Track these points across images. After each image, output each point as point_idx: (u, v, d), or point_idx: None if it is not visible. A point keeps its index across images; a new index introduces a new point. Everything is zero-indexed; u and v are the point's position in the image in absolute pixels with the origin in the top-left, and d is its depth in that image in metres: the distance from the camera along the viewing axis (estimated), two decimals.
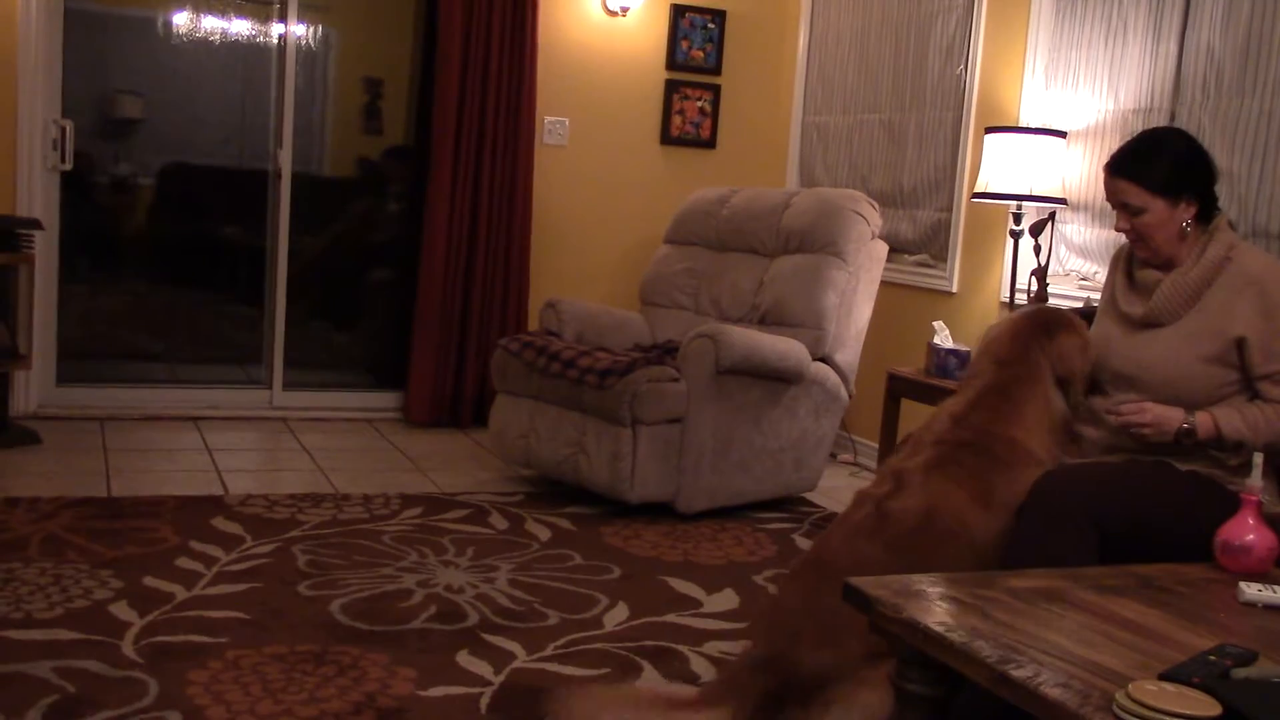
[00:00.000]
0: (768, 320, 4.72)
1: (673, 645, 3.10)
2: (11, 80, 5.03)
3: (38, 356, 5.11)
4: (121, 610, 3.07)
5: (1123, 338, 2.83)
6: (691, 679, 2.86)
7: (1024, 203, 4.35)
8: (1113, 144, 4.25)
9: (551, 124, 5.84)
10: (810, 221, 4.77)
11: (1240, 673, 1.70)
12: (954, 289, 4.95)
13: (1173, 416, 2.66)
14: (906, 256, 5.25)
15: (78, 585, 3.22)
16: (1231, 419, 2.66)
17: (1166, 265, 2.79)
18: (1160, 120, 4.06)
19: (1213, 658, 1.75)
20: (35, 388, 5.24)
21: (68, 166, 5.29)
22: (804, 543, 4.13)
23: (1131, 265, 2.90)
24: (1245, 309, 2.67)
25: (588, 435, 4.30)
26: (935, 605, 1.98)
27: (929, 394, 4.22)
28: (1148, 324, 2.78)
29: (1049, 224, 4.31)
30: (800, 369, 4.39)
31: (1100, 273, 4.30)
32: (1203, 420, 2.65)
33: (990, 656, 1.76)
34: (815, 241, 4.72)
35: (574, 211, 5.92)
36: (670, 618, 3.30)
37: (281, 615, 3.11)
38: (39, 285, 5.04)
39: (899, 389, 4.42)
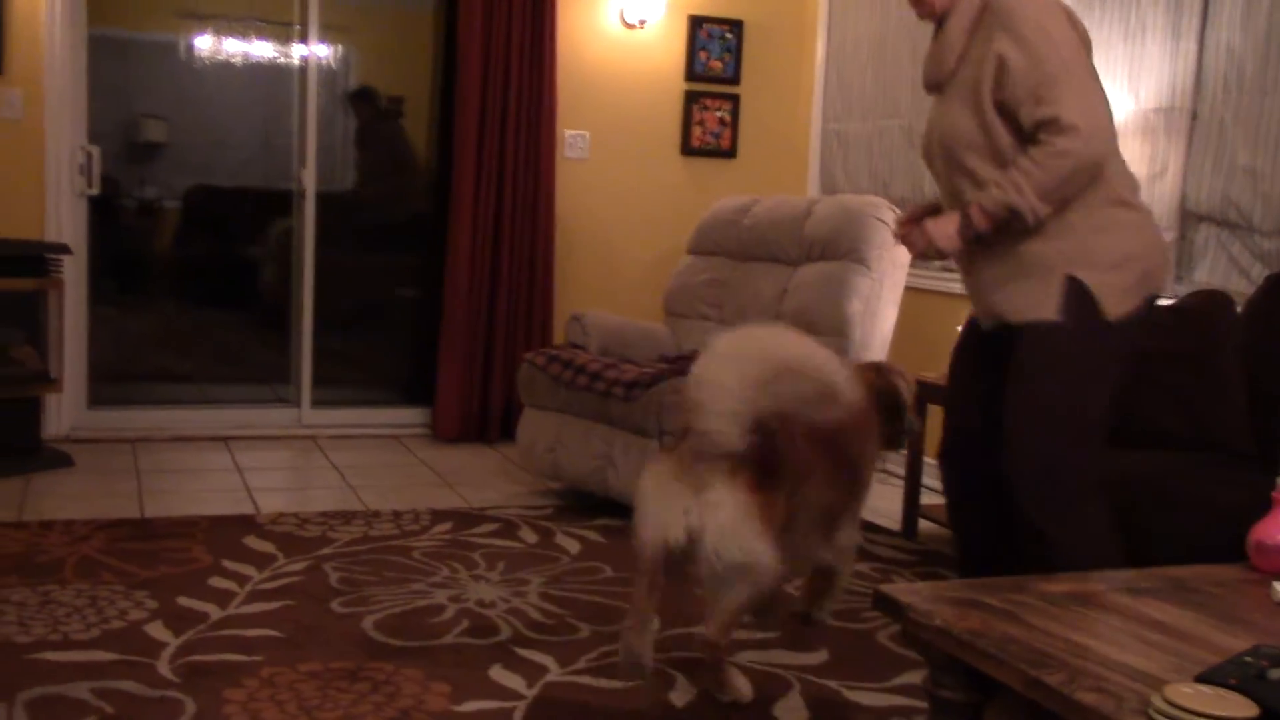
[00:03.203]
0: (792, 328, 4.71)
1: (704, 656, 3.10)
2: (39, 107, 5.09)
3: (69, 380, 5.16)
4: (157, 630, 3.10)
5: (933, 111, 2.87)
6: (726, 691, 2.86)
7: None
8: (1134, 145, 4.23)
9: (572, 138, 5.86)
10: (832, 229, 4.77)
11: (1277, 673, 1.69)
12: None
13: (950, 224, 2.68)
14: (929, 262, 5.24)
15: (113, 606, 3.25)
16: (992, 194, 2.63)
17: (924, 18, 2.82)
18: (1183, 121, 4.05)
19: (1248, 659, 1.74)
20: (67, 411, 5.29)
21: (95, 191, 5.35)
22: None
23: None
24: (1002, 42, 2.63)
25: (615, 447, 4.31)
26: (967, 611, 1.97)
27: None
28: (936, 88, 2.80)
29: None
30: None
31: None
32: (973, 212, 2.64)
33: (1024, 662, 1.76)
34: (838, 249, 4.72)
35: (597, 224, 5.94)
36: (702, 629, 3.29)
37: (315, 633, 3.13)
38: (69, 309, 5.09)
39: (925, 395, 4.39)
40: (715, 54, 6.05)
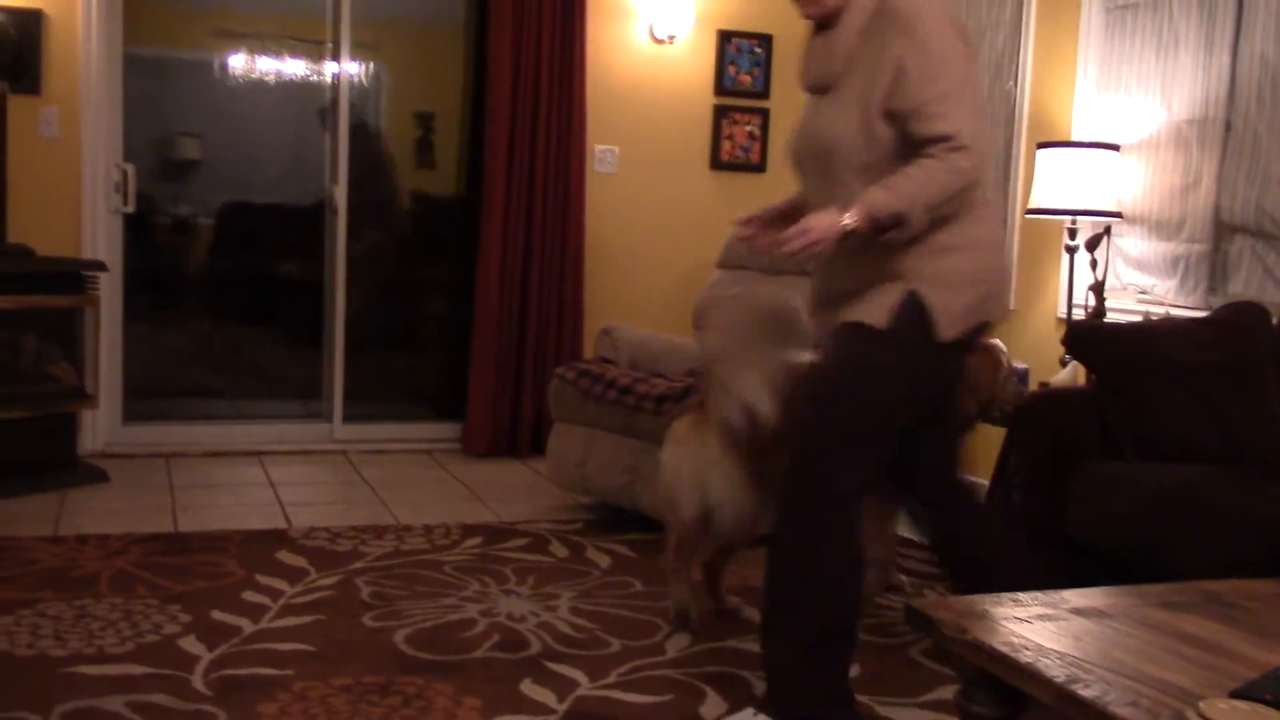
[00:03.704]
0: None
1: (736, 671, 3.09)
2: (75, 126, 5.15)
3: (104, 396, 5.21)
4: (190, 644, 3.12)
5: (808, 112, 2.78)
6: (758, 705, 2.85)
7: (1079, 217, 4.31)
8: (1167, 157, 4.21)
9: (602, 153, 5.88)
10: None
11: None
12: (1010, 306, 4.91)
13: (833, 222, 2.56)
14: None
15: (147, 620, 3.28)
16: (878, 195, 2.54)
17: (828, 24, 2.70)
18: (1217, 132, 4.02)
19: None
20: (102, 426, 5.34)
21: (130, 209, 5.41)
22: None
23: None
24: (902, 50, 2.57)
25: (645, 461, 4.31)
26: (999, 625, 1.96)
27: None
28: (819, 89, 2.72)
29: (1105, 238, 4.27)
30: None
31: (1159, 286, 4.25)
32: (857, 211, 2.55)
33: (1057, 676, 1.74)
34: None
35: (626, 238, 5.95)
36: (732, 643, 3.29)
37: (347, 647, 3.14)
38: (104, 326, 5.14)
39: None
40: (745, 68, 6.05)
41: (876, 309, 2.63)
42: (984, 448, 4.55)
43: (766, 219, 2.91)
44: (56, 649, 3.04)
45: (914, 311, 2.61)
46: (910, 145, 2.58)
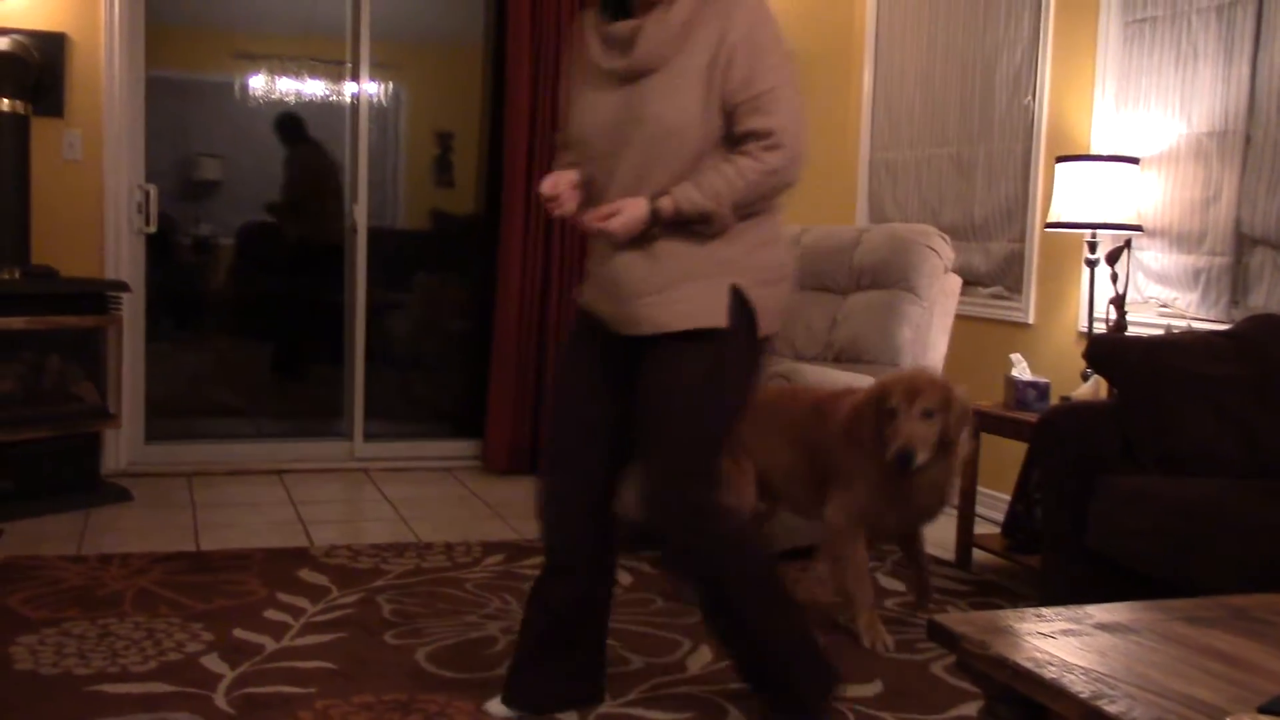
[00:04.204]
0: (842, 358, 4.70)
1: None
2: (98, 148, 5.19)
3: (127, 415, 5.23)
4: (213, 662, 3.13)
5: (612, 96, 2.61)
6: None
7: (1099, 231, 4.30)
8: (1187, 169, 4.20)
9: None
10: (882, 257, 4.76)
11: None
12: (1031, 320, 4.90)
13: (640, 208, 2.52)
14: (981, 289, 5.21)
15: (170, 639, 3.29)
16: (688, 193, 2.51)
17: (644, 8, 2.58)
18: (1237, 144, 4.01)
19: None
20: (125, 446, 5.37)
21: (152, 229, 5.44)
22: (888, 581, 4.09)
23: (599, 20, 2.67)
24: (736, 39, 2.53)
25: None
26: (1023, 641, 1.95)
27: (1009, 428, 4.17)
28: (636, 75, 2.57)
29: (1125, 251, 4.26)
30: None
31: (1180, 299, 4.23)
32: (664, 204, 2.52)
33: (1082, 691, 1.73)
34: (888, 277, 4.70)
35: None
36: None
37: (368, 665, 3.15)
38: (127, 346, 5.17)
39: (978, 424, 4.36)
40: None
41: (711, 309, 2.57)
42: (1005, 462, 4.54)
43: (570, 185, 2.69)
44: (81, 668, 3.05)
45: (742, 306, 2.60)
46: (728, 137, 2.56)
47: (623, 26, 2.59)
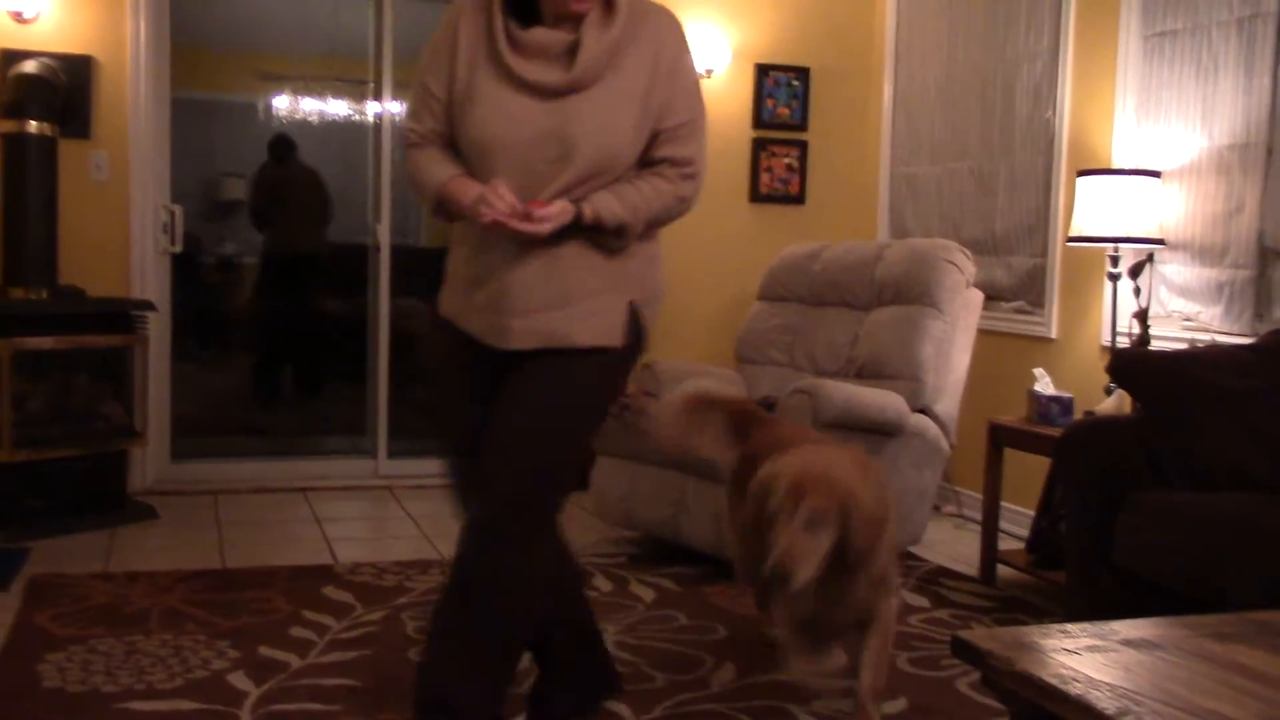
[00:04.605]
0: (864, 373, 4.70)
1: (781, 704, 3.08)
2: (124, 169, 5.25)
3: (153, 434, 5.28)
4: (239, 680, 3.14)
5: (533, 107, 2.49)
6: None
7: (1121, 245, 4.29)
8: (1209, 182, 4.19)
9: None
10: (903, 273, 4.76)
11: None
12: (1053, 335, 4.89)
13: (567, 213, 2.47)
14: (1003, 304, 5.20)
15: (196, 656, 3.31)
16: (609, 203, 2.49)
17: (575, 20, 2.49)
18: (1258, 156, 4.00)
19: None
20: (151, 464, 5.40)
21: (177, 249, 5.48)
22: (912, 598, 4.08)
23: (508, 23, 2.52)
24: (669, 63, 2.53)
25: (689, 494, 4.31)
26: (1048, 657, 1.94)
27: (1032, 442, 4.16)
28: (565, 91, 2.48)
29: (1148, 265, 4.25)
30: (899, 421, 4.36)
31: (1203, 312, 4.22)
32: (585, 210, 2.48)
33: (1108, 708, 1.73)
34: (909, 292, 4.70)
35: (666, 272, 5.95)
36: (775, 675, 3.27)
37: (393, 682, 3.16)
38: (152, 364, 5.21)
39: (1001, 438, 4.36)
40: (782, 101, 6.08)
41: (610, 327, 2.55)
42: (1028, 477, 4.53)
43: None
44: (108, 685, 3.07)
45: (636, 324, 2.60)
46: (640, 159, 2.56)
47: (549, 36, 2.50)
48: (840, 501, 2.56)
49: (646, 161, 2.56)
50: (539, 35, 2.50)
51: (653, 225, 2.58)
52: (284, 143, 7.89)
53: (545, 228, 2.43)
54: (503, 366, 2.55)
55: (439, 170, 2.58)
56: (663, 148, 2.55)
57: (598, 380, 2.58)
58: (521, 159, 2.49)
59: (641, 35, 2.52)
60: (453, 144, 2.61)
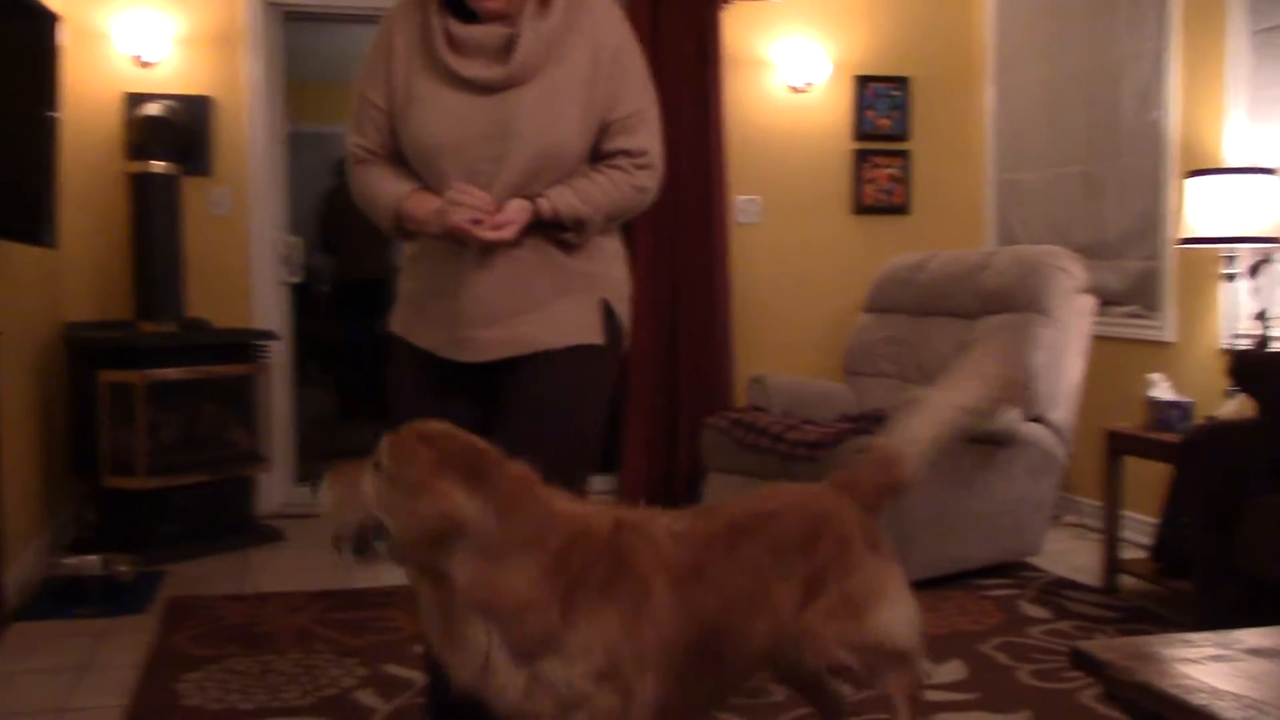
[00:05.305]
0: None
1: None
2: (243, 203, 5.44)
3: (277, 458, 5.44)
4: (367, 697, 3.24)
5: (472, 105, 2.43)
6: None
7: (1236, 245, 4.20)
8: None
9: (744, 203, 5.94)
10: (1011, 281, 4.72)
11: None
12: (1170, 338, 4.80)
13: (525, 212, 2.40)
14: (1116, 309, 5.12)
15: (326, 674, 3.42)
16: (566, 197, 2.42)
17: (502, 17, 2.44)
18: None
19: None
20: (277, 488, 5.57)
21: (296, 279, 5.65)
22: (1032, 609, 4.04)
23: (446, 21, 2.47)
24: (609, 56, 2.47)
25: None
26: (1170, 667, 1.93)
27: (1151, 450, 4.09)
28: (504, 86, 2.42)
29: (1266, 264, 4.16)
30: (1011, 430, 4.32)
31: None
32: (543, 205, 2.41)
33: (1233, 718, 1.71)
34: (1018, 300, 4.66)
35: (772, 287, 5.99)
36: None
37: None
38: (275, 391, 5.38)
39: (1119, 446, 4.29)
40: (883, 111, 6.06)
41: (586, 325, 2.51)
42: (1149, 484, 4.45)
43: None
44: (244, 703, 3.19)
45: (611, 321, 2.56)
46: (593, 154, 2.52)
47: (485, 32, 2.44)
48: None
49: (600, 155, 2.52)
50: (475, 31, 2.45)
51: (612, 219, 2.53)
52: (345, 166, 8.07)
53: (508, 232, 2.38)
54: (459, 381, 2.47)
55: (392, 187, 2.52)
56: (615, 139, 2.50)
57: (591, 376, 2.53)
58: (466, 158, 2.43)
59: (582, 24, 2.47)
60: (399, 157, 2.54)
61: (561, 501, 2.08)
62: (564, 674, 1.97)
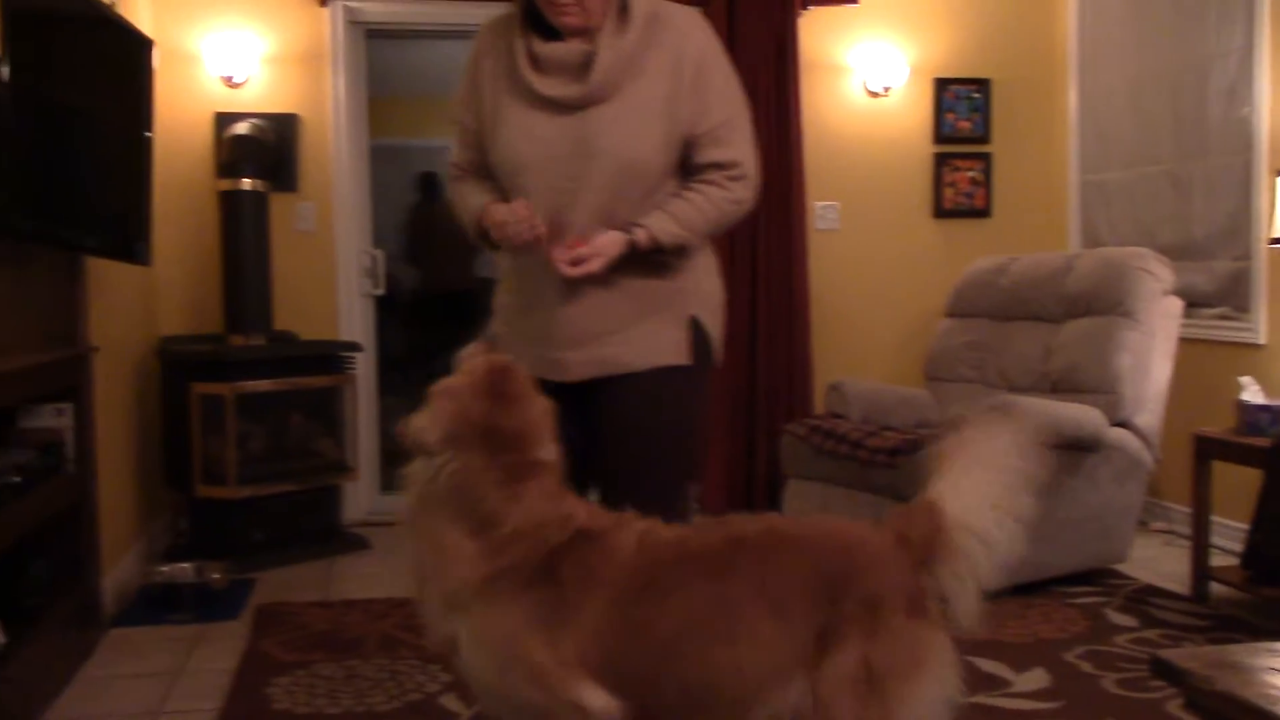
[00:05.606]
0: (1059, 388, 4.61)
1: None
2: (329, 218, 5.54)
3: (364, 467, 5.54)
4: (450, 702, 3.29)
5: (554, 124, 2.46)
6: None
7: None
8: None
9: (822, 209, 5.92)
10: (1095, 283, 4.65)
11: None
12: (1262, 340, 4.69)
13: (616, 245, 2.39)
14: (1205, 311, 5.01)
15: (411, 680, 3.48)
16: (665, 224, 2.41)
17: (583, 33, 2.46)
18: None
19: None
20: (363, 496, 5.66)
21: (380, 291, 5.75)
22: (1118, 617, 3.97)
23: (529, 41, 2.50)
24: (694, 69, 2.44)
25: (882, 515, 4.29)
26: (1254, 676, 1.90)
27: (1241, 454, 4.00)
28: (586, 104, 2.44)
29: None
30: (1097, 436, 4.25)
31: None
32: (640, 236, 2.40)
33: None
34: (1103, 303, 4.59)
35: (851, 292, 5.96)
36: (979, 698, 3.24)
37: None
38: (361, 401, 5.48)
39: (1208, 451, 4.20)
40: (963, 114, 6.01)
41: (672, 345, 2.52)
42: (1239, 490, 4.35)
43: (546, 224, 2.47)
44: (331, 707, 3.26)
45: (701, 339, 2.55)
46: (684, 167, 2.51)
47: (565, 50, 2.47)
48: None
49: (692, 168, 2.52)
50: (557, 49, 2.47)
51: (711, 234, 2.54)
52: (430, 180, 8.22)
53: (595, 265, 2.41)
54: (556, 395, 2.36)
55: (474, 199, 2.59)
56: (706, 151, 2.50)
57: (676, 395, 2.54)
58: (548, 176, 2.46)
59: (663, 40, 2.48)
60: (490, 172, 2.60)
61: (547, 499, 2.09)
62: (471, 655, 2.08)
